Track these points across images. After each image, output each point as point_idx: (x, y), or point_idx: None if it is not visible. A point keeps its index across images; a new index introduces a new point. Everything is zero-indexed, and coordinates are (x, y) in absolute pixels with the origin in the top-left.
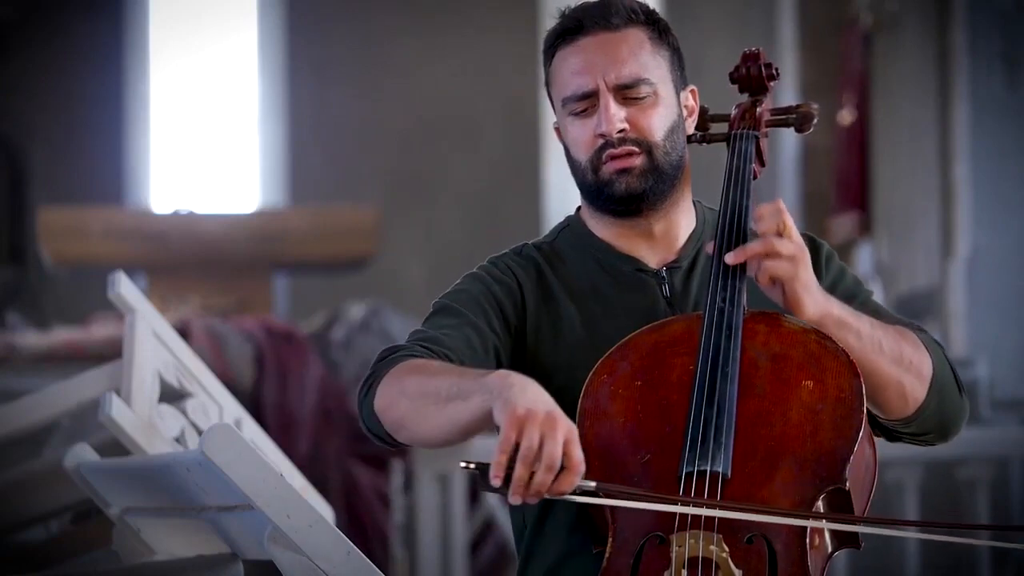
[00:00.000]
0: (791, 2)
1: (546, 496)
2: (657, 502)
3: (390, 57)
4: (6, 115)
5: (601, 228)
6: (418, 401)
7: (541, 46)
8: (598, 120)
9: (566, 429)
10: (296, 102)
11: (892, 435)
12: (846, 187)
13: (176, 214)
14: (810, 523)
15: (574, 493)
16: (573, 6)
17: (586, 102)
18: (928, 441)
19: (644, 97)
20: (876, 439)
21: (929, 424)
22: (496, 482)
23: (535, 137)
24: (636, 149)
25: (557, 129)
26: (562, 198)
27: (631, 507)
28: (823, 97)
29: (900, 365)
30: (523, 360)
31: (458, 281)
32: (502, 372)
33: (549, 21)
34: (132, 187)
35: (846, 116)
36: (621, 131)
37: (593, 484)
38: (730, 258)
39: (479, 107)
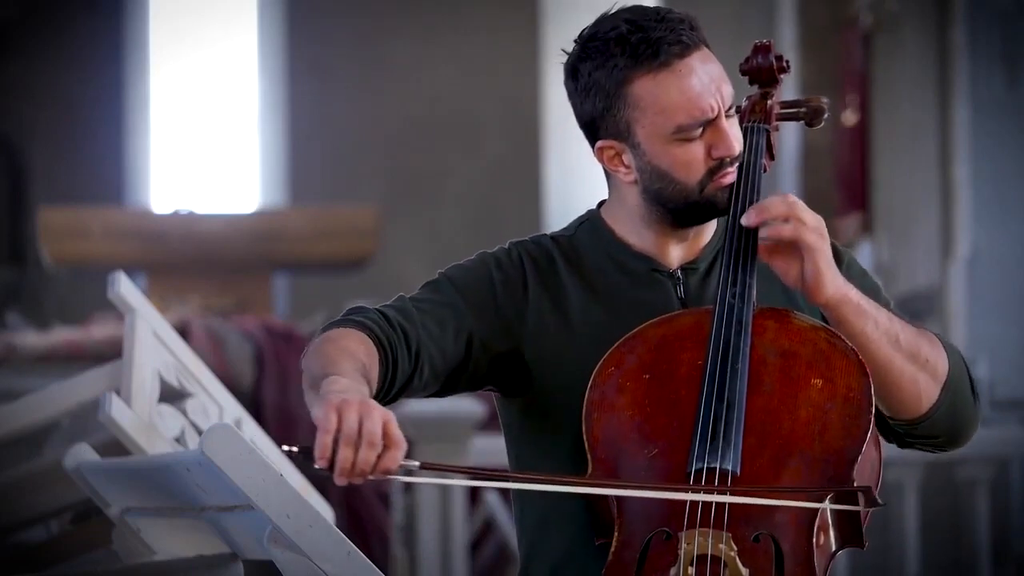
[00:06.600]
0: (791, 2)
1: (371, 477)
2: (468, 476)
3: (390, 57)
4: (6, 115)
5: (628, 228)
6: (306, 374)
7: (540, 46)
8: (721, 142)
9: (383, 411)
10: (296, 102)
11: (903, 441)
12: (846, 187)
13: (176, 214)
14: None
15: (400, 474)
16: (623, 21)
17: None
18: (939, 445)
19: (734, 114)
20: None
21: (940, 427)
22: (322, 463)
23: (535, 137)
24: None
25: (600, 148)
26: (562, 198)
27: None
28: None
29: (915, 362)
30: (519, 353)
31: (471, 257)
32: (342, 383)
33: (553, 18)
34: (132, 187)
35: (850, 116)
36: None
37: (417, 463)
38: (746, 219)
39: (479, 107)
